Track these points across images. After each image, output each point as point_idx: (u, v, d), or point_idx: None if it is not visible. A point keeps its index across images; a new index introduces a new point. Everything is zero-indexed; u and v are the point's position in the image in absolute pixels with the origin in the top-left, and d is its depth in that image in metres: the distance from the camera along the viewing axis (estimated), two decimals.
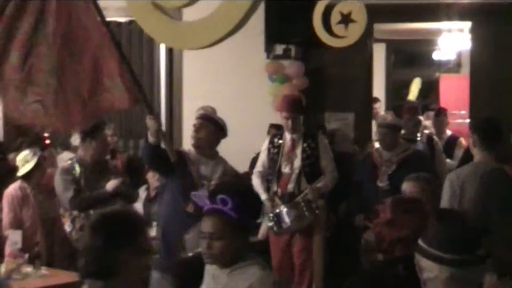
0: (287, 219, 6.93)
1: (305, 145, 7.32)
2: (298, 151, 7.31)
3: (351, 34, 6.46)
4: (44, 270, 6.46)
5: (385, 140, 7.57)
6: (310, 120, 8.88)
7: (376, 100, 11.62)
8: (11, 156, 7.81)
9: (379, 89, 13.22)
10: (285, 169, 7.33)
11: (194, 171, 6.43)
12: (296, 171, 7.28)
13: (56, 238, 7.14)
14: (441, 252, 2.67)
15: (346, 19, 6.40)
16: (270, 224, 6.96)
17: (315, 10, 6.57)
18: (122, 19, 9.72)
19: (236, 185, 4.76)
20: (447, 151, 9.22)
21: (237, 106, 9.04)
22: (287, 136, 7.37)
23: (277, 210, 6.95)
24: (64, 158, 9.16)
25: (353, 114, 9.19)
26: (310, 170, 7.28)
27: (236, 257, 3.76)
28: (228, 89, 9.22)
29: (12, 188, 7.26)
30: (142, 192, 8.15)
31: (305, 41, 8.44)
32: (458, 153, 8.86)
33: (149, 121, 5.96)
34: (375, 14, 7.37)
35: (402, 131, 8.08)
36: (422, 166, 6.81)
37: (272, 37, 8.71)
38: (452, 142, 9.62)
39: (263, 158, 7.51)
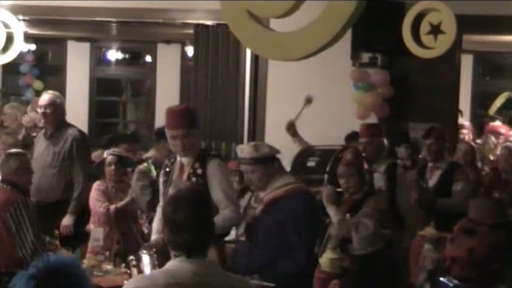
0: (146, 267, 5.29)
1: (191, 171, 5.57)
2: (183, 179, 5.60)
3: (440, 45, 6.38)
4: (124, 268, 6.51)
5: (248, 177, 5.42)
6: (393, 130, 8.81)
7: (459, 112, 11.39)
8: (97, 152, 7.95)
9: (464, 100, 13.00)
10: None
11: None
12: None
13: (135, 237, 7.22)
14: None
15: (435, 30, 6.32)
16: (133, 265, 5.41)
17: (404, 20, 6.51)
18: (209, 22, 9.85)
19: None
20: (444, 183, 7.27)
21: (320, 112, 9.02)
22: (178, 160, 5.70)
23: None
24: None
25: (438, 125, 9.02)
26: None
27: None
28: (312, 94, 9.20)
29: (94, 187, 7.37)
30: None
31: (392, 50, 8.36)
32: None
33: None
34: (465, 25, 7.26)
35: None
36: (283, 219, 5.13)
37: (358, 44, 8.64)
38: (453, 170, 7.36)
39: (160, 187, 5.91)
